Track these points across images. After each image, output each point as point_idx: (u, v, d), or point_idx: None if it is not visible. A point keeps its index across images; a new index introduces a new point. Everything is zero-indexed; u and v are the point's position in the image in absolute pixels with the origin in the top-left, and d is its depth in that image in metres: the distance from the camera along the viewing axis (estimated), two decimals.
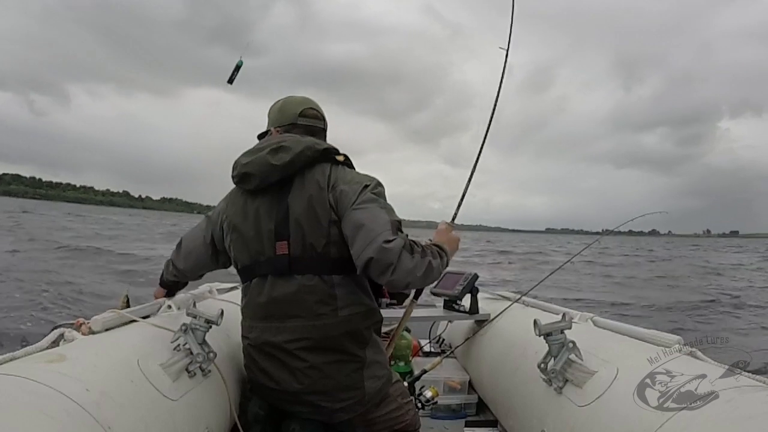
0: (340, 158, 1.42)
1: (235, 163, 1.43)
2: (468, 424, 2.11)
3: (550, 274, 2.37)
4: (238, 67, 1.90)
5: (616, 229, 2.17)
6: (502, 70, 1.94)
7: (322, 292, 1.32)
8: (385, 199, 1.37)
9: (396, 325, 2.11)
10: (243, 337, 1.45)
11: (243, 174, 1.39)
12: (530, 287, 2.33)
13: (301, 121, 1.48)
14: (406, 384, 1.62)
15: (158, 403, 1.12)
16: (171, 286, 1.70)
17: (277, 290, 1.34)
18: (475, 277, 2.29)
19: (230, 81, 1.92)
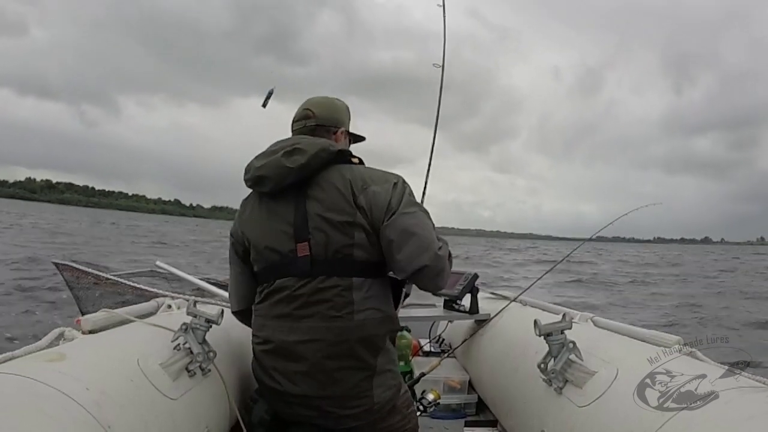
0: (355, 160, 1.42)
1: (248, 166, 1.40)
2: (468, 424, 2.11)
3: (546, 273, 2.36)
4: (270, 94, 1.93)
5: (612, 223, 2.14)
6: (439, 87, 2.06)
7: (340, 295, 1.29)
8: (415, 197, 1.40)
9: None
10: (253, 335, 1.42)
11: (257, 177, 1.37)
12: (528, 286, 2.33)
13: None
14: (407, 387, 1.61)
15: (158, 402, 1.12)
16: None
17: (296, 291, 1.31)
18: (475, 276, 2.29)
19: (264, 105, 1.94)
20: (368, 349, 1.31)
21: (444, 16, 2.13)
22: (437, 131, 2.09)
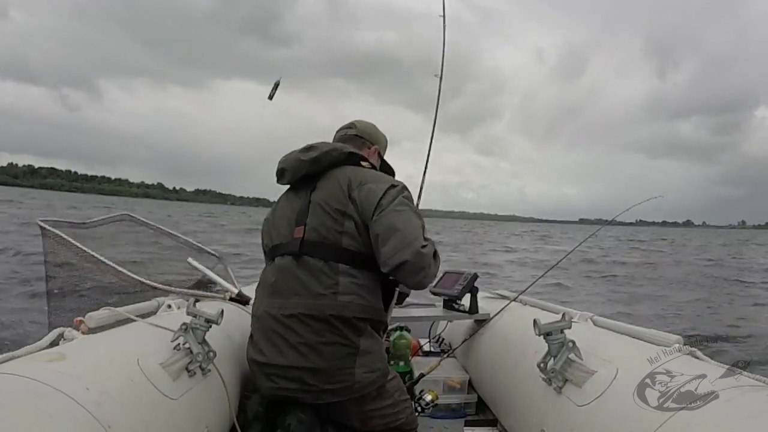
0: (366, 164, 1.55)
1: (279, 162, 1.61)
2: (468, 424, 2.11)
3: (548, 271, 2.36)
4: (276, 85, 1.96)
5: (616, 219, 2.13)
6: (437, 98, 2.03)
7: (326, 276, 1.38)
8: (414, 204, 1.48)
9: (395, 325, 2.10)
10: (252, 316, 1.51)
11: (279, 170, 1.58)
12: (528, 285, 2.33)
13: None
14: (398, 375, 1.62)
15: (158, 402, 1.12)
16: None
17: (286, 270, 1.43)
18: (475, 276, 2.30)
19: (270, 97, 1.97)
20: (350, 328, 1.37)
21: (444, 27, 2.13)
22: (434, 132, 2.08)
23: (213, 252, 2.55)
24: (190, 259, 2.28)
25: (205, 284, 2.19)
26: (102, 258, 1.86)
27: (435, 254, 1.41)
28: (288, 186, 1.64)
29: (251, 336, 1.49)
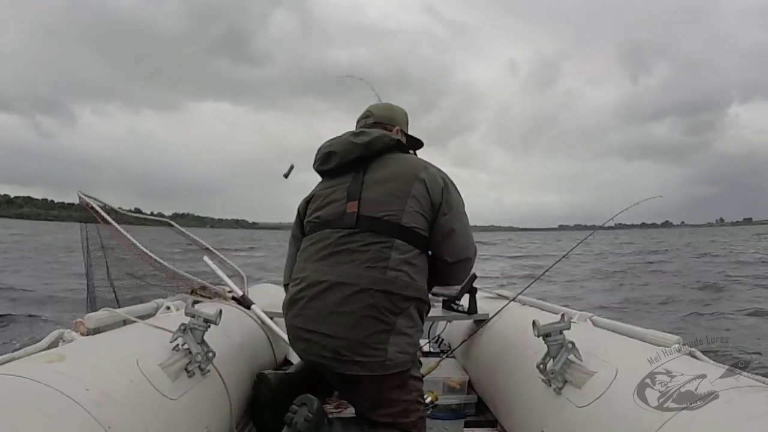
0: (412, 153, 1.65)
1: (319, 149, 1.63)
2: (467, 425, 2.11)
3: (545, 272, 2.36)
4: (291, 167, 1.99)
5: (613, 222, 2.13)
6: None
7: (379, 250, 1.40)
8: None
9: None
10: (292, 279, 1.52)
11: (327, 153, 1.58)
12: (526, 285, 2.33)
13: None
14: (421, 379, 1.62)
15: (158, 402, 1.12)
16: None
17: (339, 240, 1.43)
18: (474, 277, 2.29)
19: (286, 176, 1.98)
20: (391, 304, 1.37)
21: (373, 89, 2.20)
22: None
23: (236, 267, 2.57)
24: (206, 258, 2.30)
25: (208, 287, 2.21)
26: (139, 245, 1.92)
27: None
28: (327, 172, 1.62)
29: (290, 296, 1.48)
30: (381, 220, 1.43)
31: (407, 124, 1.79)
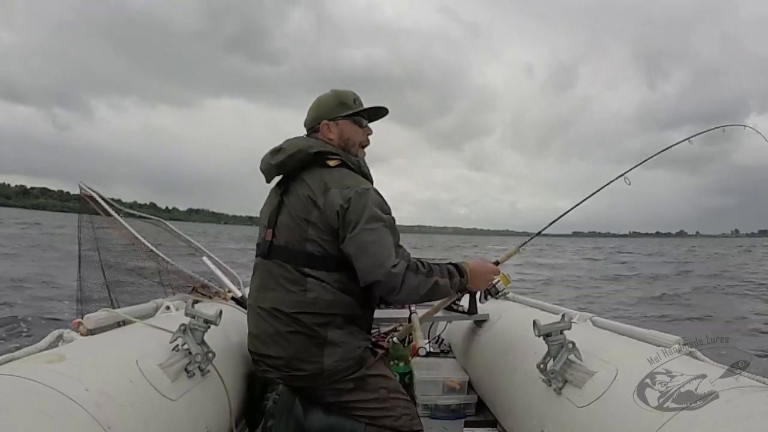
0: (332, 163, 1.51)
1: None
2: (467, 425, 2.11)
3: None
4: None
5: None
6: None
7: (294, 278, 1.45)
8: (383, 201, 1.46)
9: (393, 326, 2.08)
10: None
11: (261, 171, 1.61)
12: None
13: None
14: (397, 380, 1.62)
15: (157, 403, 1.12)
16: None
17: (263, 268, 1.52)
18: None
19: None
20: (317, 321, 1.43)
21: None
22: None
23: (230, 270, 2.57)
24: (204, 258, 2.31)
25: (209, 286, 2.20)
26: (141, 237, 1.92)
27: (410, 268, 1.39)
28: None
29: (247, 322, 1.58)
30: (288, 249, 1.47)
31: (340, 104, 1.60)
